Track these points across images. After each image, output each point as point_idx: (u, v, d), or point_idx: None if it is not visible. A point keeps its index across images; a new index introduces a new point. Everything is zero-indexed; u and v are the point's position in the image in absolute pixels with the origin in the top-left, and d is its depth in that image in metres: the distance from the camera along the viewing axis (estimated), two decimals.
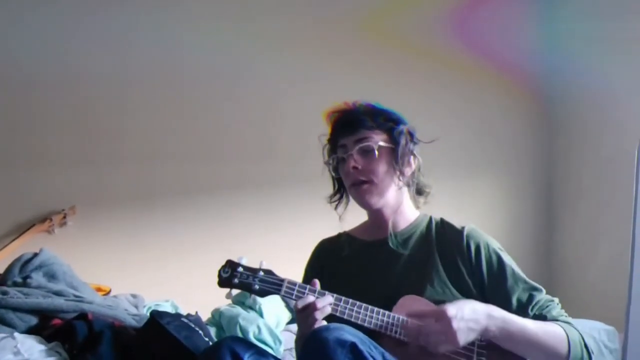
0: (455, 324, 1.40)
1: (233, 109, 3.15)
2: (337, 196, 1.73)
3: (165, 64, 3.01)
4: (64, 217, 2.79)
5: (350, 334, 1.33)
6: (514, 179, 3.67)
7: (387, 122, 1.64)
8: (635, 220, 1.32)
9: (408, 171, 1.65)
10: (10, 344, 1.67)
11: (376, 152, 1.61)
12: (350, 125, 1.63)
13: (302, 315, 1.45)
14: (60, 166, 2.86)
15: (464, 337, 1.42)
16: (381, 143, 1.61)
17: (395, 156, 1.62)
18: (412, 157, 1.65)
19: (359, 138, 1.62)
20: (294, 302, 1.47)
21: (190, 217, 3.03)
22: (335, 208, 1.73)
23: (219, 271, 1.50)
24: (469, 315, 1.43)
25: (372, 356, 1.33)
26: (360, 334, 1.37)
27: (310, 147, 3.16)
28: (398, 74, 3.32)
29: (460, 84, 3.47)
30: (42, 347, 1.71)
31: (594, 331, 2.57)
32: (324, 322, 1.44)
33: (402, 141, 1.63)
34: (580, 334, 1.54)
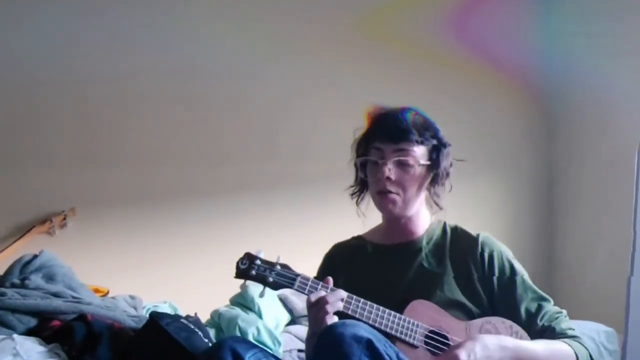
0: None
1: (234, 110, 3.15)
2: (358, 189, 1.68)
3: (167, 65, 3.01)
4: (64, 219, 2.80)
5: (366, 331, 1.34)
6: (514, 179, 3.67)
7: (432, 138, 1.61)
8: (635, 221, 1.32)
9: (441, 192, 1.63)
10: (9, 346, 1.67)
11: (414, 169, 1.57)
12: (394, 133, 1.58)
13: (314, 310, 1.45)
14: (60, 167, 2.86)
15: None
16: (422, 161, 1.58)
17: (435, 178, 1.61)
18: (447, 179, 1.64)
19: (400, 149, 1.57)
20: (298, 300, 1.49)
21: (190, 218, 3.03)
22: (356, 201, 1.68)
23: (237, 263, 1.51)
24: (482, 354, 1.43)
25: (387, 354, 1.33)
26: (375, 332, 1.37)
27: (313, 149, 3.17)
28: (399, 75, 3.32)
29: (460, 84, 3.46)
30: (41, 348, 1.70)
31: (593, 332, 2.57)
32: (336, 318, 1.44)
33: (445, 163, 1.61)
34: (589, 352, 1.54)
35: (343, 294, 1.47)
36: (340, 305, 1.46)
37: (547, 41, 3.59)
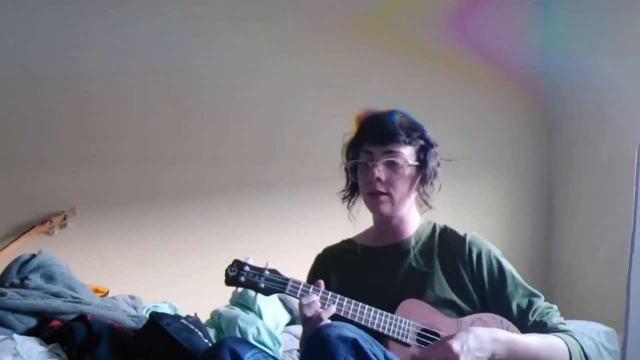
0: (462, 359, 1.41)
1: (235, 111, 3.15)
2: (349, 193, 1.72)
3: (167, 65, 3.01)
4: (64, 219, 2.79)
5: (351, 331, 1.35)
6: (513, 180, 3.67)
7: (420, 139, 1.64)
8: (635, 222, 1.32)
9: (430, 191, 1.66)
10: (9, 346, 1.67)
11: (403, 170, 1.60)
12: (383, 135, 1.61)
13: (306, 315, 1.47)
14: (60, 167, 2.86)
15: None
16: (410, 161, 1.61)
17: (424, 177, 1.63)
18: (436, 179, 1.66)
19: (388, 150, 1.60)
20: (297, 300, 1.49)
21: (190, 219, 3.03)
22: (347, 205, 1.71)
23: (226, 270, 1.52)
24: (474, 345, 1.44)
25: (373, 353, 1.35)
26: (362, 332, 1.39)
27: (313, 150, 3.17)
28: (398, 76, 3.32)
29: (460, 84, 3.46)
30: (41, 348, 1.70)
31: (593, 333, 2.57)
32: (329, 322, 1.45)
33: (432, 163, 1.63)
34: (580, 344, 1.56)
35: (333, 308, 1.48)
36: (332, 309, 1.48)
37: (547, 41, 3.59)
